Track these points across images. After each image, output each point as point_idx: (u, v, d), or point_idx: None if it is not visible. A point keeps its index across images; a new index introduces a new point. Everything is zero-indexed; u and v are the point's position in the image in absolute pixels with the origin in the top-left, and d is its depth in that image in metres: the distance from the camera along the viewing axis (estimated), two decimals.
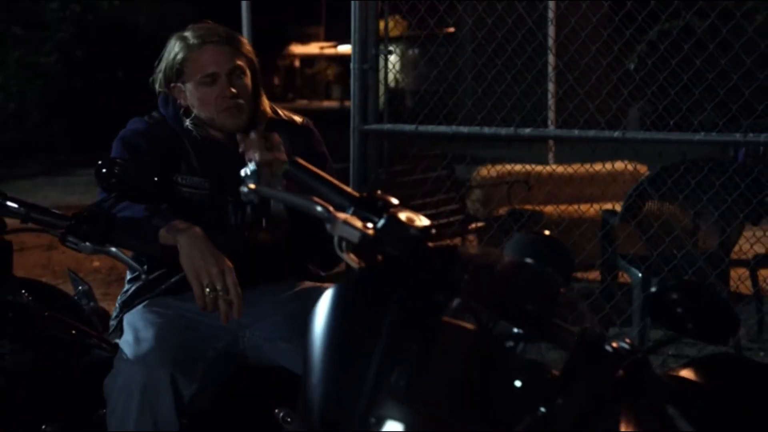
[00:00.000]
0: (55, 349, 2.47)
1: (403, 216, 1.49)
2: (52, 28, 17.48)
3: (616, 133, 3.54)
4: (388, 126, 4.06)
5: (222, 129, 2.73)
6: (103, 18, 18.01)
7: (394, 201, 1.55)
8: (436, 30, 4.66)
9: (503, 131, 3.74)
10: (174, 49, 2.74)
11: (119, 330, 2.63)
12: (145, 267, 2.63)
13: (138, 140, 2.72)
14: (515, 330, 1.47)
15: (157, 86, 2.79)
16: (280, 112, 2.90)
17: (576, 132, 3.71)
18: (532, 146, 8.34)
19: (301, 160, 1.62)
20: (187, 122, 2.73)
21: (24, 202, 2.27)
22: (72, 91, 17.47)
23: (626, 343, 1.52)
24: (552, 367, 1.48)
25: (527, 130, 3.69)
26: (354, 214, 1.52)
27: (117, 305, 2.73)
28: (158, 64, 2.78)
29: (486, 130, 3.81)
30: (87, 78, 17.49)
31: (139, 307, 2.63)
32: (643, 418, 1.48)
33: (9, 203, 2.26)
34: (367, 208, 1.52)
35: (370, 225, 1.50)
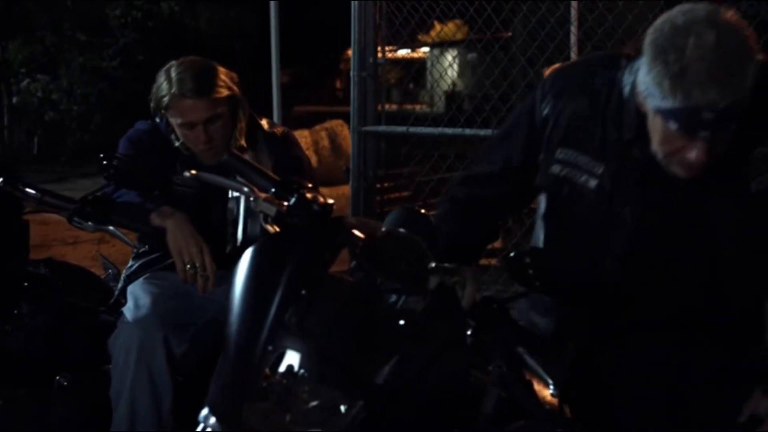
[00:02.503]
0: (68, 313, 2.94)
1: (309, 196, 1.90)
2: (115, 33, 18.11)
3: None
4: (382, 127, 4.51)
5: None
6: (164, 24, 18.59)
7: (309, 184, 1.97)
8: (473, 36, 4.96)
9: (482, 132, 4.15)
10: (162, 88, 3.09)
11: (123, 298, 3.07)
12: (147, 246, 3.10)
13: (141, 138, 3.18)
14: (396, 285, 1.88)
15: (152, 105, 3.17)
16: (264, 124, 3.30)
17: None
18: None
19: (236, 152, 2.05)
20: (177, 144, 3.15)
21: (38, 188, 2.73)
22: (133, 94, 18.03)
23: (486, 297, 1.93)
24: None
25: None
26: (273, 194, 1.94)
27: (122, 278, 3.18)
28: (153, 88, 3.15)
29: (467, 131, 4.22)
30: (148, 82, 17.99)
31: (140, 279, 3.07)
32: (493, 354, 1.88)
33: (27, 189, 2.72)
34: (284, 189, 1.94)
35: (285, 203, 1.92)
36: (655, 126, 2.02)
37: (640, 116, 2.08)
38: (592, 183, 2.16)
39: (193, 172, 2.02)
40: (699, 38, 1.90)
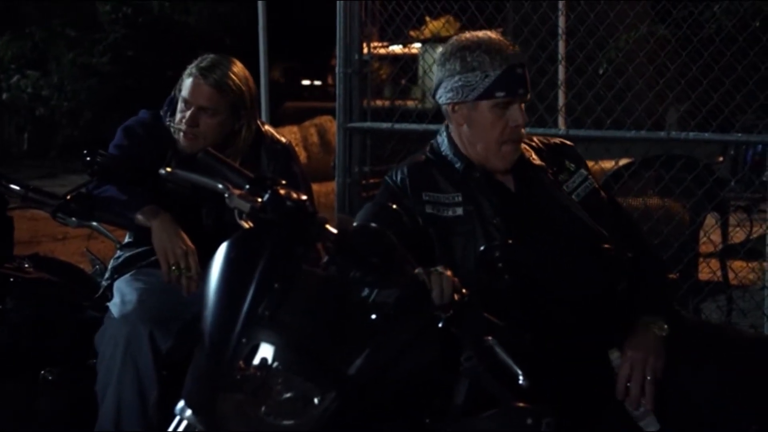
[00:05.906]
0: (53, 308, 2.97)
1: (283, 192, 1.94)
2: (104, 29, 18.08)
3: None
4: (367, 123, 4.56)
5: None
6: (154, 19, 18.55)
7: (282, 181, 2.00)
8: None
9: None
10: (193, 63, 3.16)
11: (109, 292, 3.10)
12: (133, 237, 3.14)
13: (138, 130, 3.21)
14: (368, 278, 1.92)
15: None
16: (268, 133, 3.32)
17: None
18: None
19: (211, 150, 2.09)
20: (171, 125, 3.17)
21: (23, 184, 2.78)
22: (124, 90, 18.01)
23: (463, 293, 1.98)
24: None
25: None
26: (248, 190, 1.98)
27: (109, 269, 3.21)
28: None
29: None
30: (138, 78, 18.04)
31: (127, 275, 3.11)
32: (465, 344, 1.93)
33: (11, 185, 2.76)
34: (258, 186, 1.98)
35: (259, 199, 1.96)
36: (482, 118, 2.45)
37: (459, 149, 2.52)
38: (458, 211, 2.44)
39: (168, 169, 2.06)
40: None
